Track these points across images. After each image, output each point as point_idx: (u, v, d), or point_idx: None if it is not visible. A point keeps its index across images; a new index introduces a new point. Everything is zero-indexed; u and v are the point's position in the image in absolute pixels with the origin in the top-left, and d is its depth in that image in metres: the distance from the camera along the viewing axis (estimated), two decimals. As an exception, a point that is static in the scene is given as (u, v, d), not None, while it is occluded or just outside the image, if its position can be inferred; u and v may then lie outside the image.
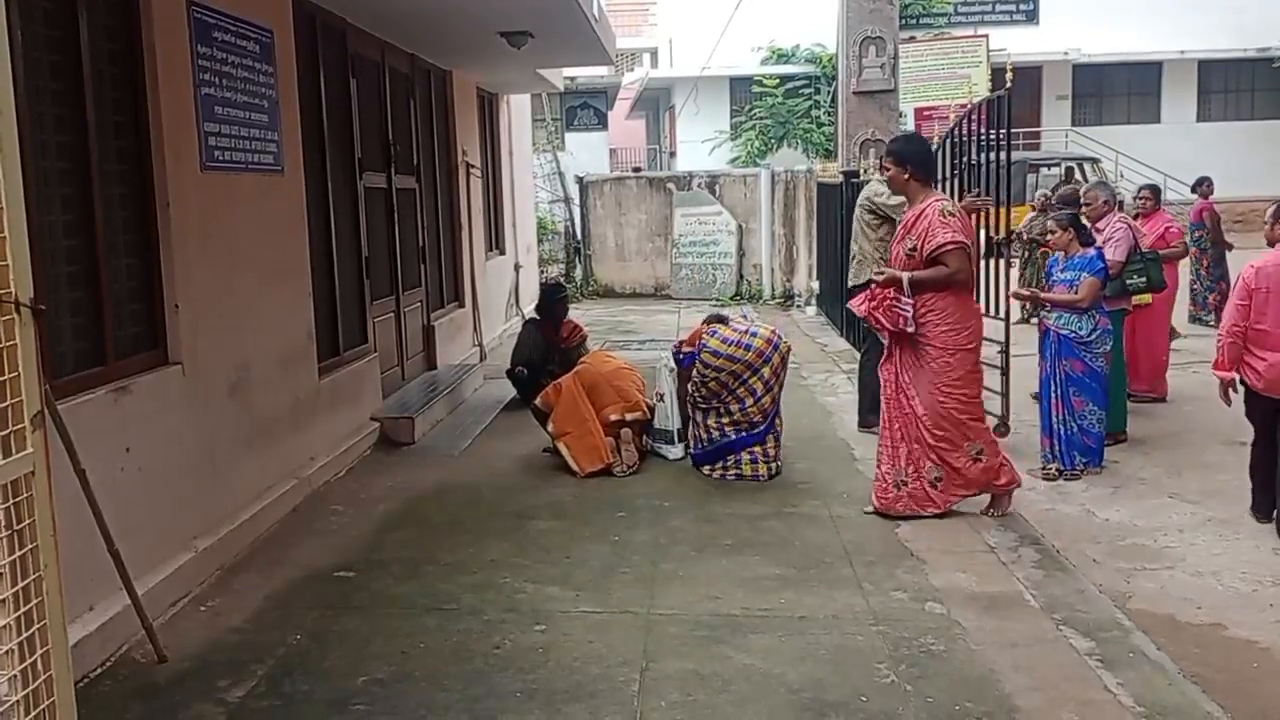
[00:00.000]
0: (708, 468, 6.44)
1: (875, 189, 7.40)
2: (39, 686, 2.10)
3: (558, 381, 6.83)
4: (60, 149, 4.13)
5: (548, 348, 8.54)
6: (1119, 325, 7.56)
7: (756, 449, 6.32)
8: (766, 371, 6.35)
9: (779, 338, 6.51)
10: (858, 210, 7.44)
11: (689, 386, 6.63)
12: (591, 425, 6.48)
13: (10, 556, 2.04)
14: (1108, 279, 7.16)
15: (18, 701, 2.06)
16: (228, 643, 4.15)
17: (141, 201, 4.67)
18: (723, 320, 7.08)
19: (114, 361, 4.36)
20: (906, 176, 5.46)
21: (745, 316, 6.92)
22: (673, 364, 6.97)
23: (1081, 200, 8.50)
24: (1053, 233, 7.37)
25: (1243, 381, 6.16)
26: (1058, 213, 7.80)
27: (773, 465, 6.36)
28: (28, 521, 2.08)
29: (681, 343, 7.03)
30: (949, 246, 5.26)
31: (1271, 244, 5.91)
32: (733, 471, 6.33)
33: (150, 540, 4.37)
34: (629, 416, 6.61)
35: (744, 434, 6.32)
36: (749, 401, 6.32)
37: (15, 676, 2.05)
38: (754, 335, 6.40)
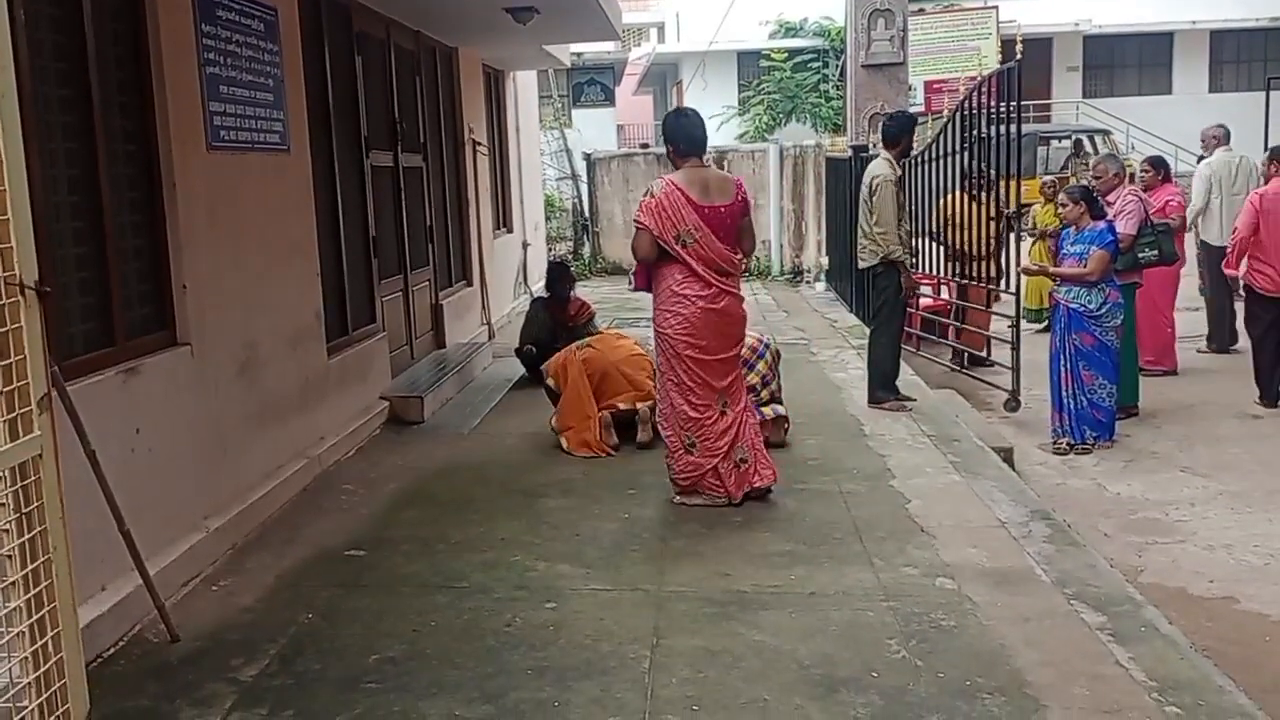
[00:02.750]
0: None
1: (874, 169, 7.33)
2: (50, 668, 2.10)
3: (565, 358, 6.78)
4: (65, 129, 4.11)
5: (555, 326, 8.52)
6: (1130, 299, 7.54)
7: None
8: (761, 366, 6.40)
9: (766, 341, 6.56)
10: (862, 190, 7.38)
11: None
12: (591, 421, 6.47)
13: (19, 539, 2.04)
14: (1118, 252, 7.13)
15: (29, 683, 2.06)
16: (240, 622, 4.16)
17: (148, 182, 4.66)
18: None
19: (123, 342, 4.35)
20: (671, 152, 5.44)
21: None
22: None
23: (1092, 173, 8.47)
24: (1064, 206, 7.34)
25: (1247, 288, 8.18)
26: (1069, 187, 7.77)
27: (777, 406, 6.42)
28: (36, 504, 2.08)
29: None
30: (635, 224, 5.29)
31: (1268, 180, 8.27)
32: None
33: (161, 520, 4.38)
34: (640, 406, 6.57)
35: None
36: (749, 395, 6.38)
37: (27, 658, 2.06)
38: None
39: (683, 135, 5.36)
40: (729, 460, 5.35)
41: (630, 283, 5.71)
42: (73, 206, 4.14)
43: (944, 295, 10.18)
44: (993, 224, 8.32)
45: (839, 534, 4.94)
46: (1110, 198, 7.75)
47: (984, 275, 8.60)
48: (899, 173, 7.27)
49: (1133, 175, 9.64)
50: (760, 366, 6.42)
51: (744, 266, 5.58)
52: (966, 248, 8.78)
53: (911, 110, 11.13)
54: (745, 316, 5.52)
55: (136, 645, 3.96)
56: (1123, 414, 7.52)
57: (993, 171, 8.23)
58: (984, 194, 8.44)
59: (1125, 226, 7.46)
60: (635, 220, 5.29)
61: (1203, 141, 10.51)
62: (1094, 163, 8.95)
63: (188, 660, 3.84)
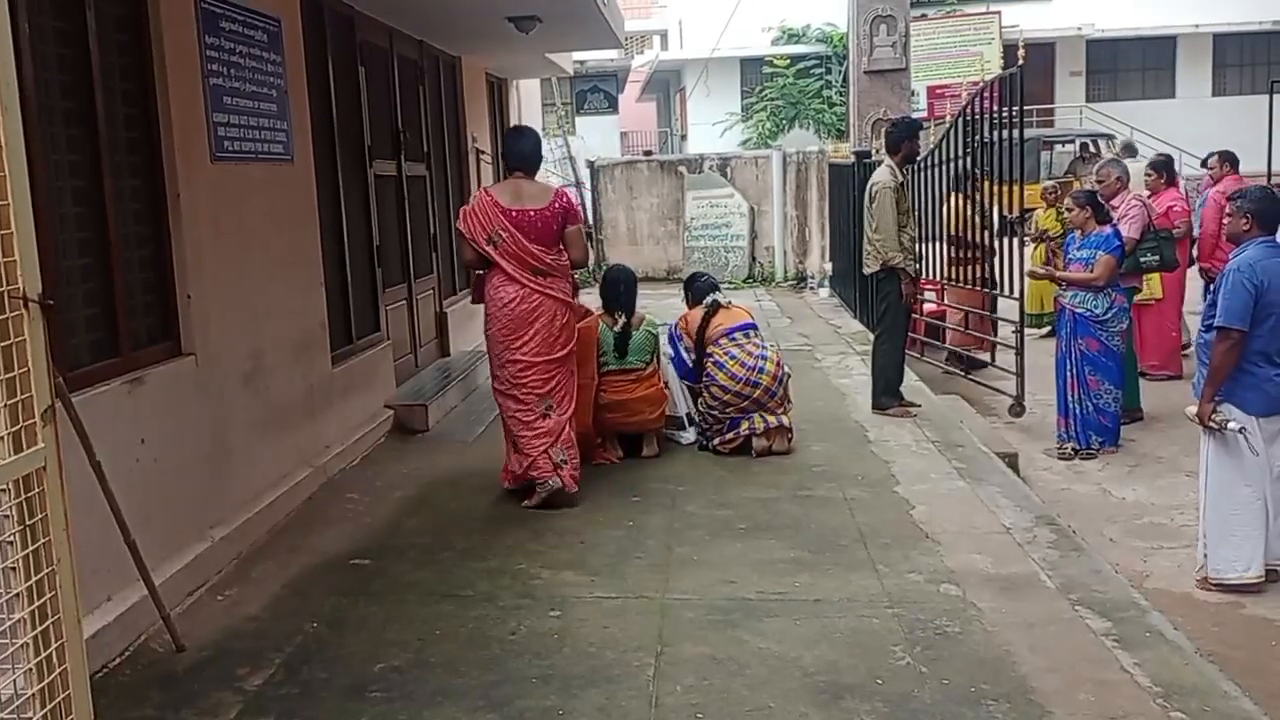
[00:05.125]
0: (718, 440, 6.46)
1: (875, 176, 7.34)
2: (54, 679, 2.11)
3: (587, 385, 6.62)
4: (70, 141, 4.13)
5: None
6: (1129, 302, 7.53)
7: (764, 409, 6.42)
8: (772, 404, 6.41)
9: (784, 367, 6.58)
10: (865, 197, 7.38)
11: (699, 407, 6.67)
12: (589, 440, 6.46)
13: (23, 551, 2.05)
14: (1124, 257, 7.13)
15: (34, 695, 2.07)
16: (245, 631, 4.17)
17: (152, 193, 4.67)
18: (712, 288, 6.90)
19: (128, 353, 4.37)
20: (503, 166, 5.82)
21: (748, 335, 6.72)
22: (671, 351, 6.87)
23: (1095, 177, 8.47)
24: (1070, 210, 7.35)
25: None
26: (1074, 192, 7.78)
27: (783, 417, 6.43)
28: (40, 516, 2.09)
29: (679, 324, 6.87)
30: (457, 233, 5.72)
31: (1218, 180, 9.16)
32: (745, 430, 6.35)
33: (167, 530, 4.39)
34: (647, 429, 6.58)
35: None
36: (756, 417, 6.41)
37: (31, 670, 2.06)
38: (761, 371, 6.36)
39: (511, 151, 5.76)
40: (544, 459, 5.54)
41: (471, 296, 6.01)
42: (77, 218, 4.16)
43: (941, 299, 10.20)
44: (984, 226, 8.38)
45: (844, 540, 4.94)
46: (1114, 202, 7.76)
47: (979, 278, 8.64)
48: (900, 179, 7.27)
49: (1128, 145, 9.96)
50: (780, 393, 6.44)
51: (568, 271, 5.71)
52: (965, 251, 8.83)
53: (915, 116, 11.14)
54: (566, 321, 5.66)
55: (142, 655, 3.96)
56: (1127, 418, 7.51)
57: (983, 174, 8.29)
58: (977, 196, 8.47)
59: (1128, 230, 7.46)
60: (456, 229, 5.72)
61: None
62: (1097, 167, 8.96)
63: (193, 670, 3.84)
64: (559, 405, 5.62)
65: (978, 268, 8.63)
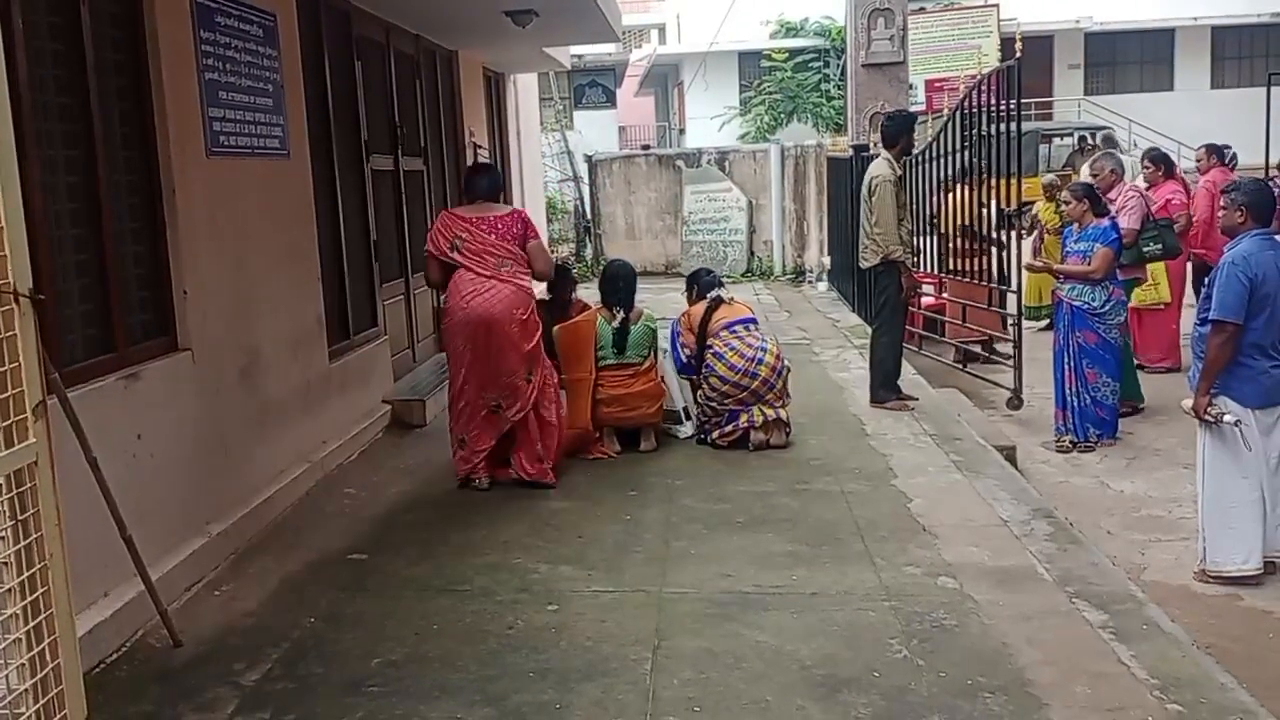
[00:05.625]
0: (716, 434, 6.46)
1: (874, 169, 7.31)
2: (47, 675, 2.11)
3: (585, 379, 6.52)
4: (65, 137, 4.12)
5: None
6: (1128, 294, 7.52)
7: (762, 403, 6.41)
8: (771, 397, 6.40)
9: (783, 360, 6.57)
10: (862, 191, 7.36)
11: (698, 399, 6.66)
12: (585, 436, 6.45)
13: (15, 546, 2.05)
14: (1122, 249, 7.12)
15: (26, 690, 2.07)
16: (242, 626, 4.17)
17: (148, 188, 4.66)
18: (715, 284, 6.88)
19: (124, 348, 4.36)
20: (468, 201, 6.07)
21: (748, 328, 6.68)
22: (670, 345, 6.85)
23: (1090, 170, 8.47)
24: (1067, 203, 7.34)
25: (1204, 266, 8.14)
26: (1072, 184, 7.77)
27: (781, 410, 6.42)
28: (32, 512, 2.09)
29: (682, 319, 6.85)
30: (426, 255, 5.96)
31: (1205, 171, 9.36)
32: (743, 423, 6.35)
33: (163, 526, 4.39)
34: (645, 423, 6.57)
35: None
36: (755, 410, 6.40)
37: (24, 665, 2.07)
38: (760, 363, 6.36)
39: (471, 183, 6.14)
40: (484, 465, 5.80)
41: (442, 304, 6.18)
42: (73, 213, 4.15)
43: (939, 293, 10.15)
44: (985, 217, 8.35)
45: (841, 534, 4.94)
46: (1110, 194, 7.75)
47: (985, 271, 8.59)
48: (899, 172, 7.25)
49: (1108, 138, 9.93)
50: (779, 385, 6.43)
51: (529, 272, 5.84)
52: (972, 243, 8.76)
53: (913, 109, 11.13)
54: (527, 317, 5.75)
55: (139, 650, 3.96)
56: (1126, 408, 7.51)
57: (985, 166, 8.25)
58: (980, 189, 8.44)
59: (1128, 221, 7.46)
60: (425, 252, 5.95)
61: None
62: (1091, 161, 8.96)
63: (190, 665, 3.84)
64: (509, 405, 5.72)
65: (983, 260, 8.56)
